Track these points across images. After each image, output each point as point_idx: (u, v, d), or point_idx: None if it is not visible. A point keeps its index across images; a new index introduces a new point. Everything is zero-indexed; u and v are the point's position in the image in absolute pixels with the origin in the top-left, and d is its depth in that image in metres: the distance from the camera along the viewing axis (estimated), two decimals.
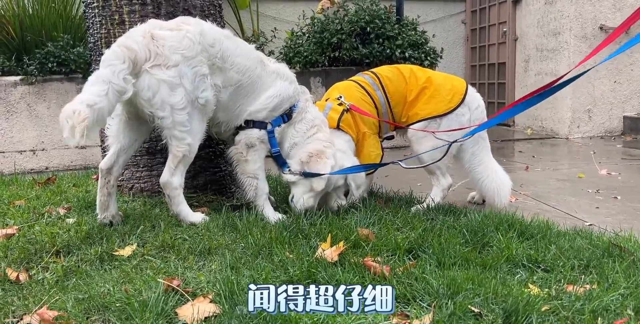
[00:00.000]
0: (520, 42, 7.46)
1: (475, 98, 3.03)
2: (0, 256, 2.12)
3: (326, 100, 3.00)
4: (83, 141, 2.09)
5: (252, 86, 2.63)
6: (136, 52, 2.31)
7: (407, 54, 5.71)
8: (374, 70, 3.15)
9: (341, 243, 2.14)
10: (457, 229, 2.42)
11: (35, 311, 1.68)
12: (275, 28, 6.65)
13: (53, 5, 5.52)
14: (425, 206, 2.90)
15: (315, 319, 1.59)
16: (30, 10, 5.47)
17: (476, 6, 8.30)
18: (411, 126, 2.96)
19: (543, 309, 1.68)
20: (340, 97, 2.92)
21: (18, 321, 1.65)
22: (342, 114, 2.87)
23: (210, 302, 1.72)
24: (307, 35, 6.08)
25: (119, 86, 2.21)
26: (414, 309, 1.69)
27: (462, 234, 2.36)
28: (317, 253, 2.06)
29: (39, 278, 1.95)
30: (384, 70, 3.12)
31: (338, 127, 2.87)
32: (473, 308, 1.66)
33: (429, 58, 5.86)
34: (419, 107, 2.96)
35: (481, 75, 8.38)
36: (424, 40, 5.96)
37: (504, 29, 7.66)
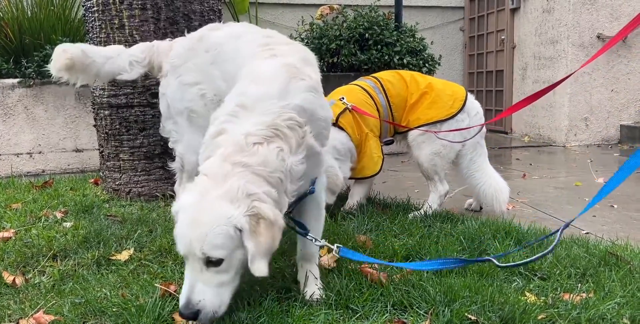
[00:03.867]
0: (518, 50, 7.49)
1: (474, 105, 3.06)
2: None
3: None
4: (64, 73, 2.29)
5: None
6: (156, 54, 2.39)
7: (405, 61, 5.73)
8: (375, 74, 3.17)
9: None
10: (454, 237, 2.43)
11: (32, 315, 1.67)
12: None
13: (52, 8, 5.52)
14: (423, 213, 2.91)
15: None
16: (29, 13, 5.46)
17: (475, 14, 8.34)
18: (417, 128, 2.94)
19: (539, 317, 1.68)
20: (343, 98, 2.92)
21: None
22: (343, 110, 2.86)
23: None
24: (305, 40, 6.09)
25: (119, 66, 2.35)
26: (411, 316, 1.69)
27: (459, 242, 2.36)
28: None
29: (35, 282, 1.94)
30: (385, 74, 3.15)
31: (336, 123, 2.82)
32: (470, 316, 1.67)
33: (427, 65, 5.88)
34: (421, 112, 2.97)
35: (479, 82, 8.41)
36: (422, 47, 5.98)
37: (502, 37, 7.70)
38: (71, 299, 1.77)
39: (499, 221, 2.69)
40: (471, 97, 3.07)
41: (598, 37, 6.39)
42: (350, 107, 2.86)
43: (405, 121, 3.02)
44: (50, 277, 1.98)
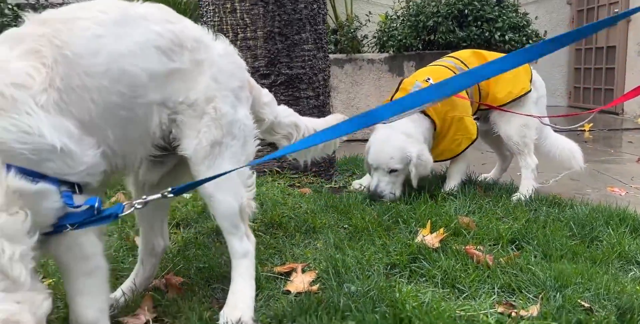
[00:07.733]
0: (633, 24, 6.87)
1: (537, 76, 3.11)
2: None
3: None
4: None
5: None
6: None
7: (507, 38, 5.48)
8: (452, 54, 3.16)
9: (441, 230, 2.16)
10: (562, 222, 2.36)
11: (163, 276, 1.87)
12: (369, 12, 6.62)
13: None
14: (526, 195, 2.83)
15: (420, 301, 1.64)
16: None
17: None
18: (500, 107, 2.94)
19: None
20: (429, 79, 2.89)
21: (150, 284, 1.84)
22: None
23: (318, 278, 1.82)
24: (401, 18, 6.00)
25: None
26: (520, 299, 1.68)
27: (569, 227, 2.29)
28: (417, 239, 2.10)
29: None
30: (464, 53, 3.16)
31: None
32: (583, 303, 1.63)
33: (530, 41, 5.59)
34: (513, 87, 2.95)
35: (587, 59, 7.85)
36: (525, 23, 5.70)
37: (616, 10, 7.09)
38: (196, 264, 1.95)
39: (612, 207, 2.56)
40: (533, 70, 3.09)
41: None
42: None
43: (492, 96, 2.97)
44: (175, 243, 2.19)
